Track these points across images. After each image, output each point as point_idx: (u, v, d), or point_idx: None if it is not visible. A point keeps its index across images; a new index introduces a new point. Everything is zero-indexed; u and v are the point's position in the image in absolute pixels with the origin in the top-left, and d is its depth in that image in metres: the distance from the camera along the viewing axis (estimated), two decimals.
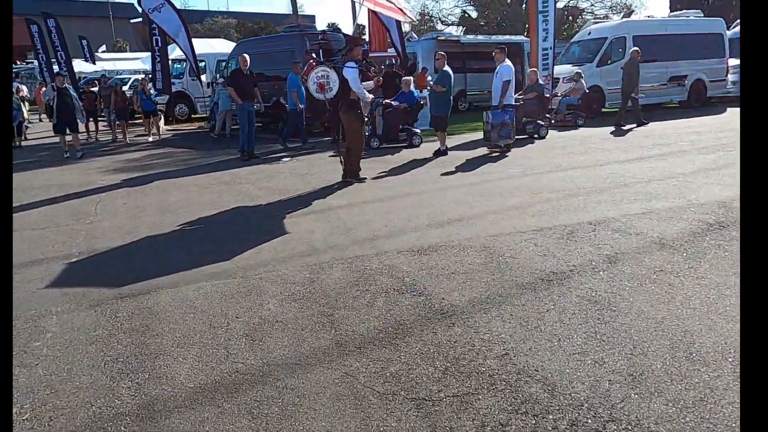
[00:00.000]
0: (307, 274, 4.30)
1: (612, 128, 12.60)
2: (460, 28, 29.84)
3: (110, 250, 5.24)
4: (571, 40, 18.06)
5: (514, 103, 10.35)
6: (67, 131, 11.94)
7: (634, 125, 12.75)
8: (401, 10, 8.31)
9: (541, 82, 12.26)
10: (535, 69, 12.32)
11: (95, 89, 15.98)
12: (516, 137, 10.40)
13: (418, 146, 11.08)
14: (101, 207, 7.13)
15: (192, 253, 4.98)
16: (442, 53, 10.43)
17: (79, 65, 31.22)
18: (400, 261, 4.50)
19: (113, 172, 9.96)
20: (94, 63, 30.49)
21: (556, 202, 6.16)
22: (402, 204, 6.60)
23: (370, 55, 14.64)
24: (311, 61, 8.71)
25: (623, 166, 8.04)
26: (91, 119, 15.10)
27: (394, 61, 14.05)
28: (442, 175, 8.24)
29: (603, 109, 15.42)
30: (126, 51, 43.69)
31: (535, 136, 11.61)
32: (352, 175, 7.85)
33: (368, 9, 13.94)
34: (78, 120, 12.01)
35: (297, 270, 4.41)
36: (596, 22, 18.68)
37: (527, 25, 26.33)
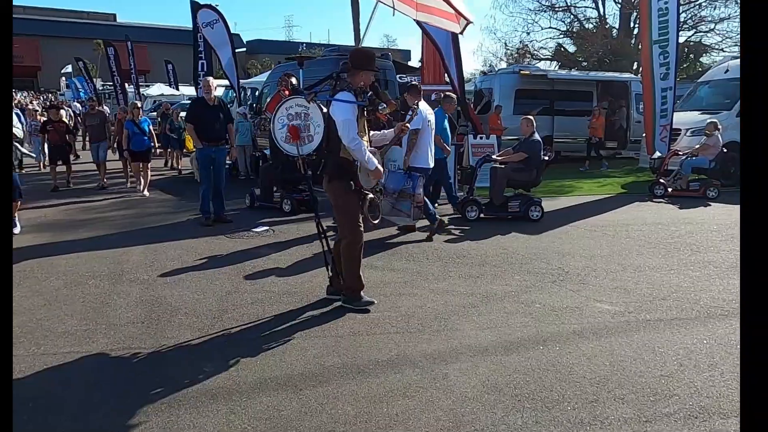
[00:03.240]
0: None
1: None
2: (554, 63, 25.88)
3: None
4: (700, 80, 13.74)
5: (424, 167, 6.51)
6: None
7: None
8: (456, 14, 4.63)
9: (536, 137, 7.57)
10: (530, 117, 7.76)
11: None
12: (492, 215, 7.36)
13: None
14: None
15: None
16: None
17: (160, 89, 31.02)
18: None
19: (32, 229, 7.29)
20: (177, 88, 29.98)
21: None
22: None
23: (424, 88, 11.42)
24: (282, 88, 5.19)
25: None
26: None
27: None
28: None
29: None
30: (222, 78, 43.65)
31: (531, 216, 7.58)
32: (348, 295, 4.40)
33: (422, 30, 10.86)
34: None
35: None
36: (736, 57, 14.18)
37: (636, 63, 22.12)
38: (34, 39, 57.53)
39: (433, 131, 6.68)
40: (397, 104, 11.44)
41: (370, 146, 4.36)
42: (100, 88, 32.01)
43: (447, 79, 11.09)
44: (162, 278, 5.21)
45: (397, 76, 14.79)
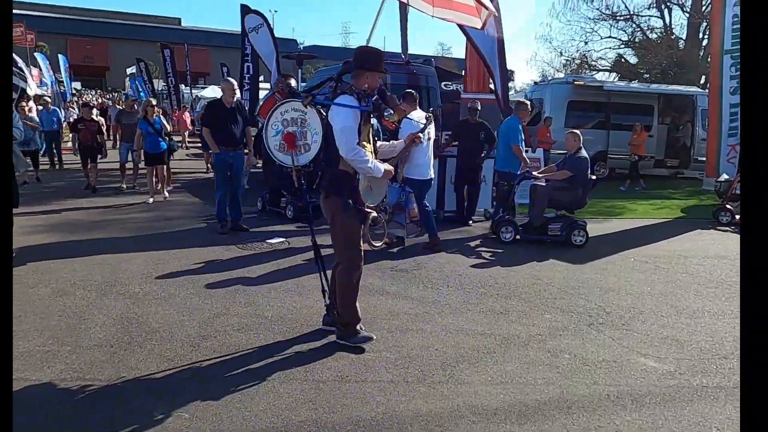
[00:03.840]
0: None
1: None
2: (613, 75, 24.45)
3: None
4: None
5: (420, 178, 6.25)
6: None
7: None
8: (477, 4, 4.01)
9: (583, 153, 6.75)
10: (576, 132, 6.90)
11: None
12: (529, 238, 6.71)
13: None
14: None
15: None
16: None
17: (214, 91, 31.67)
18: None
19: (46, 228, 7.10)
20: None
21: None
22: None
23: (462, 95, 10.74)
24: (277, 91, 4.54)
25: None
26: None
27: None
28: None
29: None
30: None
31: (574, 241, 6.78)
32: (342, 330, 3.80)
33: (466, 36, 10.16)
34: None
35: None
36: None
37: (704, 76, 20.53)
38: (104, 41, 60.27)
39: (432, 141, 6.38)
40: (436, 111, 10.88)
41: (376, 158, 3.78)
42: (159, 89, 32.89)
43: (491, 87, 10.40)
44: (153, 292, 4.79)
45: (443, 83, 14.20)
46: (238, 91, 7.09)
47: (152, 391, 3.12)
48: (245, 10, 13.42)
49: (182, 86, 28.58)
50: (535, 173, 6.96)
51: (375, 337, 3.82)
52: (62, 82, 30.91)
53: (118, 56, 59.33)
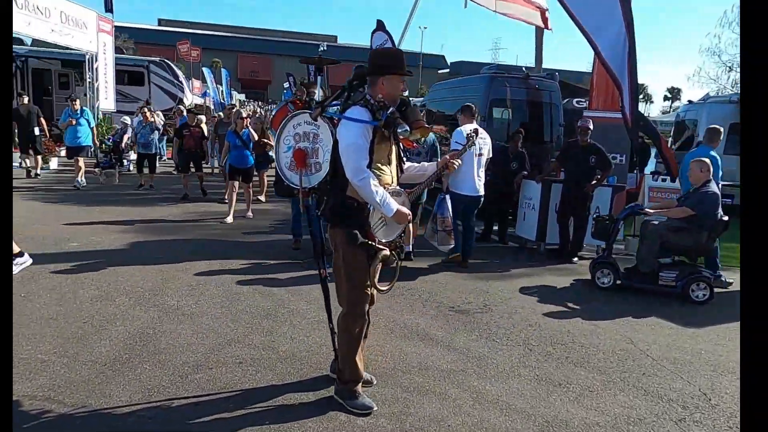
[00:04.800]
0: None
1: None
2: None
3: None
4: None
5: (464, 194, 6.09)
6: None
7: None
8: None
9: (711, 188, 5.38)
10: (704, 160, 5.52)
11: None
12: (634, 285, 5.54)
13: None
14: None
15: None
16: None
17: None
18: None
19: (130, 231, 7.45)
20: None
21: None
22: None
23: (586, 114, 9.44)
24: (292, 101, 3.80)
25: None
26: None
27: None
28: None
29: None
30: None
31: (693, 296, 5.30)
32: (340, 386, 3.18)
33: (591, 46, 8.91)
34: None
35: None
36: None
37: None
38: (269, 57, 66.10)
39: (483, 157, 6.24)
40: (557, 131, 9.91)
41: (397, 183, 3.12)
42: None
43: (620, 104, 9.02)
44: (185, 306, 4.59)
45: (575, 100, 12.83)
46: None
47: (102, 427, 2.80)
48: (379, 25, 13.11)
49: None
50: (647, 209, 5.70)
51: (375, 409, 3.11)
52: (223, 92, 34.17)
53: (278, 71, 64.58)
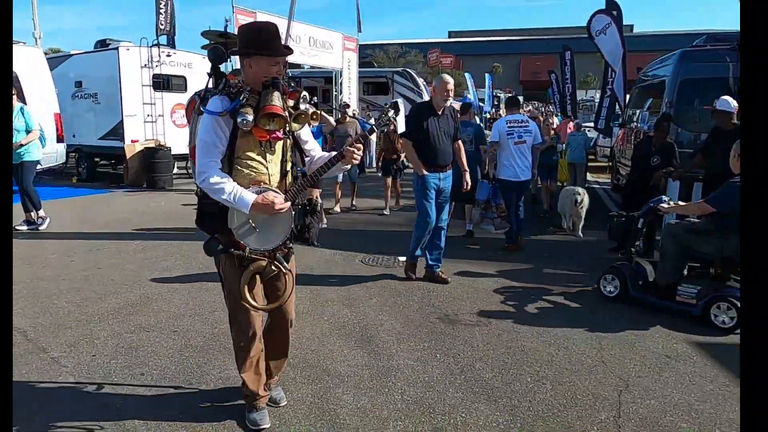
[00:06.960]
0: None
1: None
2: None
3: None
4: None
5: (507, 179, 6.51)
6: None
7: None
8: None
9: None
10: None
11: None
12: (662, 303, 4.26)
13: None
14: None
15: None
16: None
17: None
18: None
19: None
20: None
21: None
22: None
23: None
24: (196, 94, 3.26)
25: None
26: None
27: None
28: None
29: None
30: None
31: (714, 320, 3.68)
32: (246, 399, 2.99)
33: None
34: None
35: None
36: None
37: None
38: (551, 56, 64.29)
39: (526, 144, 6.52)
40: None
41: (287, 178, 2.82)
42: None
43: None
44: (207, 319, 4.42)
45: None
46: (453, 91, 5.33)
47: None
48: (609, 5, 11.65)
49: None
50: (664, 205, 4.21)
51: (264, 427, 2.90)
52: (482, 99, 35.25)
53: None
